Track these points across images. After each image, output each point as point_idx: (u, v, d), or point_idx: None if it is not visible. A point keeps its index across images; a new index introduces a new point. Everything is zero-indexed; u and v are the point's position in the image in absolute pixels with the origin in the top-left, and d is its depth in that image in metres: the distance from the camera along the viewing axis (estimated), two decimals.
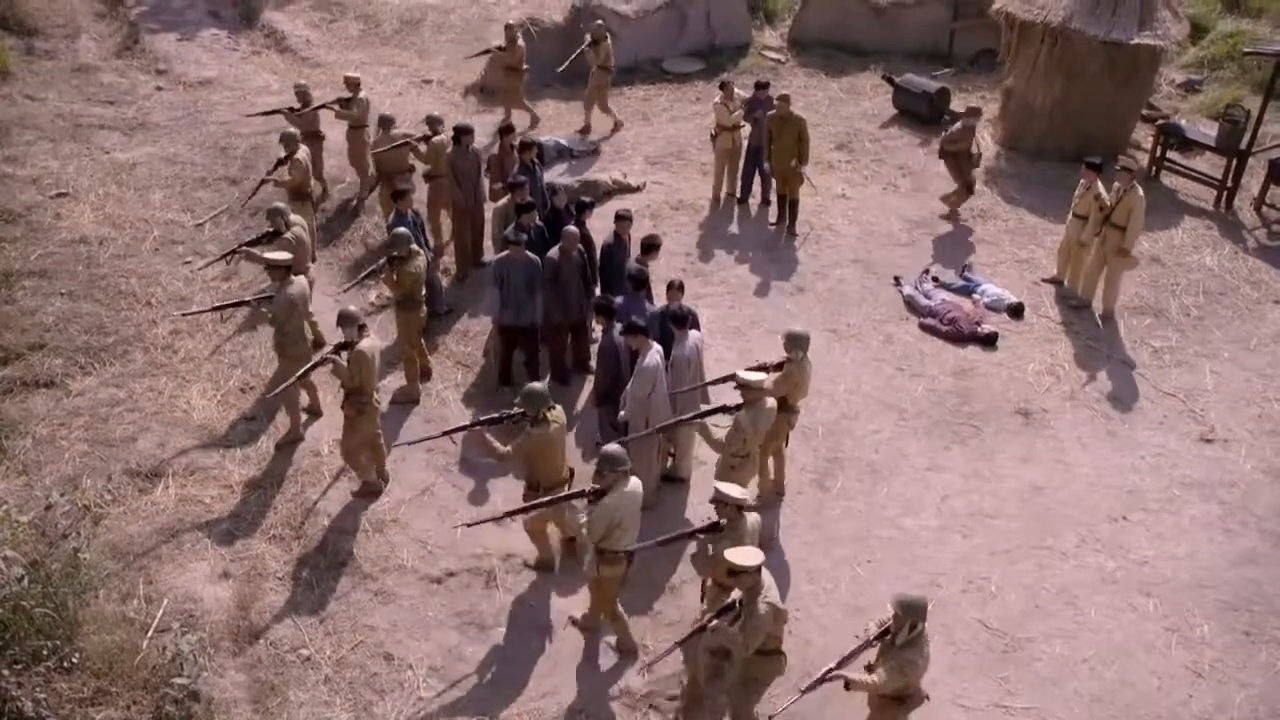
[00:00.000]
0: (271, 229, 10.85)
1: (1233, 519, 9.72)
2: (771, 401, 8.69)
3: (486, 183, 12.77)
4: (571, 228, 10.71)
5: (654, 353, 9.16)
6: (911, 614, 6.49)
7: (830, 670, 6.53)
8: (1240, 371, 11.56)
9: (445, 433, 8.82)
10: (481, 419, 8.46)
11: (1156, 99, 17.11)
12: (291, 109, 13.83)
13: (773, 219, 14.04)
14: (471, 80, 17.54)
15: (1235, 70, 17.64)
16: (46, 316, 11.89)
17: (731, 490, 7.37)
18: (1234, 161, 14.46)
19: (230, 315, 11.69)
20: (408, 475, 10.12)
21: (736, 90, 14.12)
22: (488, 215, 12.60)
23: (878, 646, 6.70)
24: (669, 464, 10.05)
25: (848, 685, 6.54)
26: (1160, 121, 15.83)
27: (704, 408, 8.86)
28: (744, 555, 6.72)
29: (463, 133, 12.37)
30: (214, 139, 16.00)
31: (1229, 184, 14.51)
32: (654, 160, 15.49)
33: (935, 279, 12.84)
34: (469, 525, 8.10)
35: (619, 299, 9.99)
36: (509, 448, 8.22)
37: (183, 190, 14.80)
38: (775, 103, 13.34)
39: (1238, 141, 14.40)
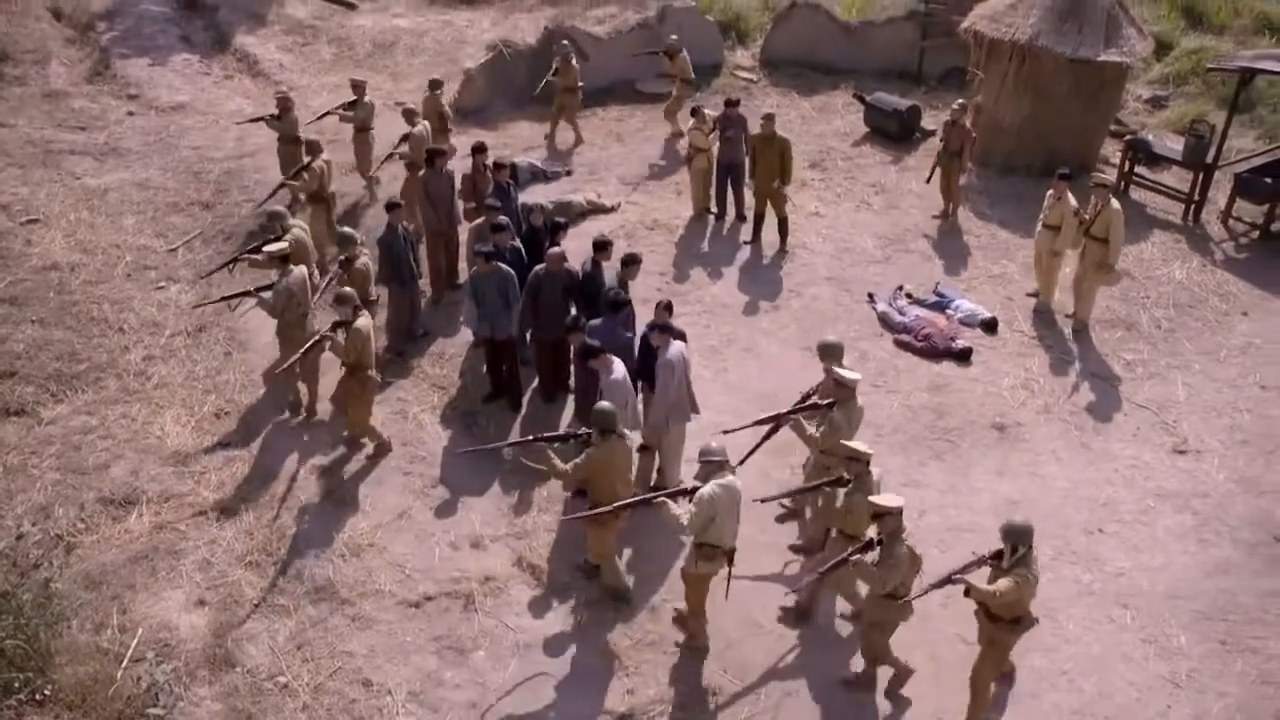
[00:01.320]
0: (273, 233, 11.21)
1: (1206, 529, 9.80)
2: (861, 400, 8.80)
3: (461, 204, 12.80)
4: (556, 248, 10.75)
5: (617, 366, 9.17)
6: (1016, 538, 7.16)
7: (954, 574, 7.25)
8: (1211, 383, 11.68)
9: (510, 444, 8.86)
10: (546, 435, 8.50)
11: (1124, 114, 17.35)
12: (273, 116, 14.00)
13: (745, 237, 14.11)
14: (447, 101, 17.56)
15: (1200, 86, 17.93)
16: (17, 344, 11.78)
17: (858, 446, 7.86)
18: (1200, 176, 14.67)
19: (237, 305, 11.54)
20: (384, 499, 10.08)
21: (706, 111, 14.27)
22: (463, 237, 12.62)
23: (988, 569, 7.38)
24: (654, 477, 10.09)
25: (967, 592, 7.20)
26: (1128, 137, 16.06)
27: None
28: (888, 499, 7.42)
29: (436, 155, 12.38)
30: (186, 164, 15.96)
31: (1196, 198, 14.71)
32: (628, 180, 15.55)
33: (909, 295, 12.92)
34: (577, 517, 8.26)
35: (593, 321, 10.01)
36: (569, 466, 8.20)
37: (155, 215, 14.73)
38: (761, 122, 13.44)
39: (1203, 156, 14.60)
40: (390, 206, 11.55)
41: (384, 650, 8.60)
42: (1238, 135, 15.95)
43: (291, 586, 9.13)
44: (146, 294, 12.99)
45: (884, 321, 12.54)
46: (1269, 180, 14.38)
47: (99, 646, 8.21)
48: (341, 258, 11.06)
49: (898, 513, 7.32)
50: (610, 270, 10.83)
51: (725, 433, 8.90)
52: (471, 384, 11.46)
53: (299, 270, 10.55)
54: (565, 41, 16.61)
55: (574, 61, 16.18)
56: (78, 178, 15.59)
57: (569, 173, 15.68)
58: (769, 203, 13.70)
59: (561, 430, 9.80)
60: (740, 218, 14.44)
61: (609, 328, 9.81)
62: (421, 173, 12.53)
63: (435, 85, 14.60)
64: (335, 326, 9.90)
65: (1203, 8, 19.85)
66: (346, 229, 11.56)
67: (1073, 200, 12.08)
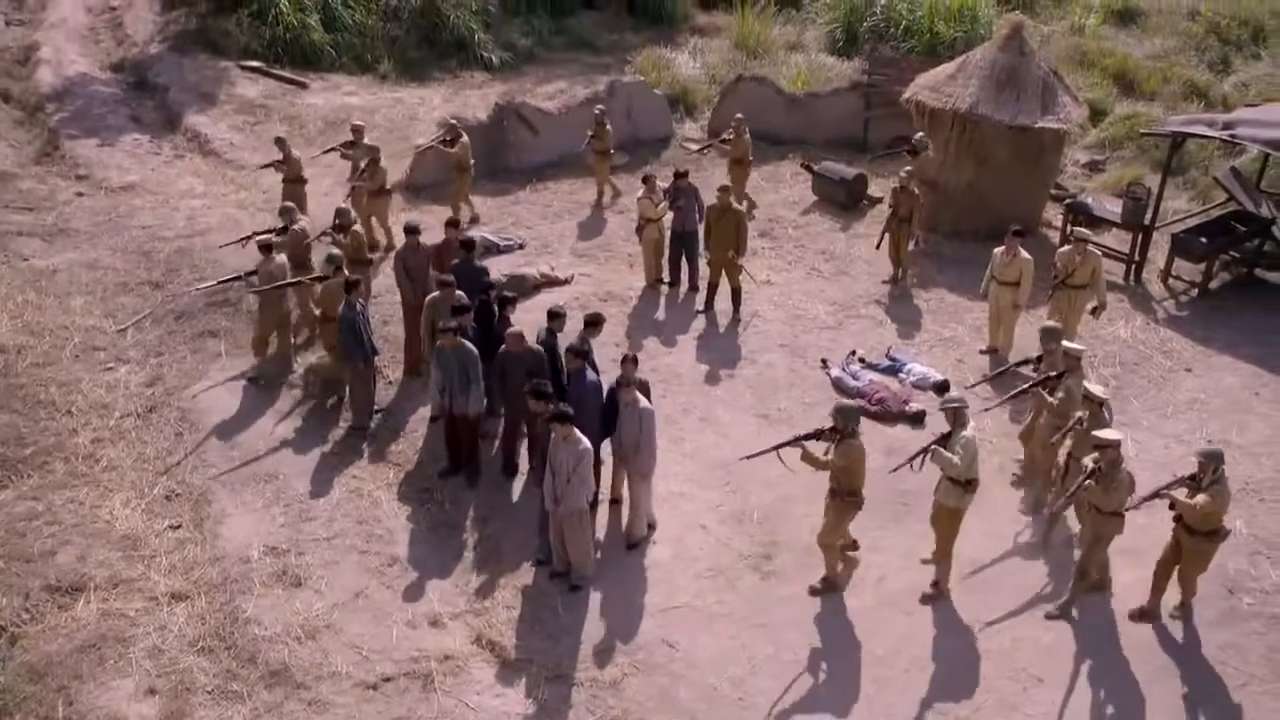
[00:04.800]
0: (282, 224, 12.99)
1: None
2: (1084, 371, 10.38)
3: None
4: (515, 329, 10.79)
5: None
6: (1214, 460, 8.68)
7: (1160, 490, 8.75)
8: (1159, 439, 11.88)
9: (775, 447, 9.28)
10: (800, 435, 9.25)
11: (1063, 178, 17.83)
12: (279, 161, 15.11)
13: (699, 306, 14.23)
14: (396, 179, 17.62)
15: (1134, 150, 18.48)
16: None
17: (1094, 388, 9.69)
18: (1139, 236, 15.07)
19: (221, 288, 13.11)
20: (340, 578, 9.92)
21: (658, 183, 14.45)
22: None
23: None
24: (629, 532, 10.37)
25: (1172, 505, 8.74)
26: (1068, 200, 16.49)
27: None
28: (1108, 433, 8.94)
29: (411, 232, 12.53)
30: (136, 244, 15.81)
31: (1136, 258, 15.09)
32: (581, 253, 15.66)
33: (862, 360, 13.07)
34: (894, 469, 9.58)
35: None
36: (830, 458, 9.19)
37: (104, 296, 14.54)
38: (717, 193, 13.65)
39: (1141, 217, 15.01)
40: (350, 286, 11.54)
41: None
42: (1173, 197, 16.42)
43: (245, 671, 8.93)
44: (95, 375, 12.79)
45: (838, 387, 12.65)
46: (1204, 240, 14.82)
47: None
48: (336, 223, 12.92)
49: (1116, 444, 8.81)
50: (565, 341, 10.89)
51: (972, 389, 10.87)
52: (428, 459, 11.38)
53: (280, 258, 12.39)
54: (740, 115, 16.63)
55: (746, 135, 16.31)
56: (25, 259, 15.37)
57: (521, 246, 15.77)
58: (723, 272, 13.86)
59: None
60: (693, 287, 14.57)
61: (574, 382, 10.03)
62: (401, 247, 12.66)
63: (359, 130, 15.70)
64: (315, 280, 11.77)
65: (1133, 75, 20.56)
66: (342, 205, 13.62)
67: (1025, 254, 12.38)
